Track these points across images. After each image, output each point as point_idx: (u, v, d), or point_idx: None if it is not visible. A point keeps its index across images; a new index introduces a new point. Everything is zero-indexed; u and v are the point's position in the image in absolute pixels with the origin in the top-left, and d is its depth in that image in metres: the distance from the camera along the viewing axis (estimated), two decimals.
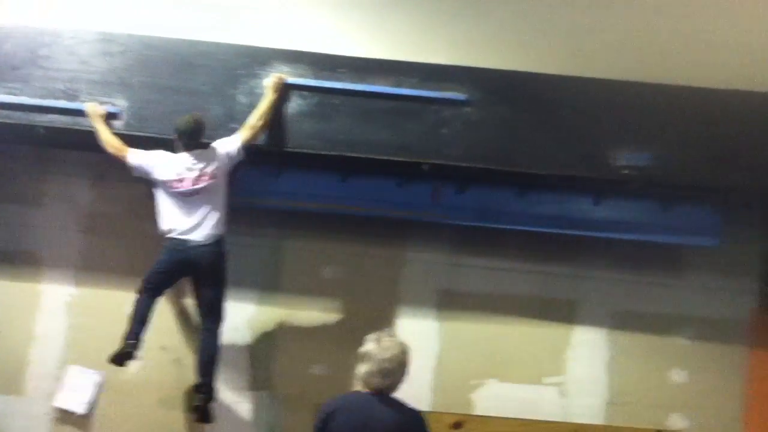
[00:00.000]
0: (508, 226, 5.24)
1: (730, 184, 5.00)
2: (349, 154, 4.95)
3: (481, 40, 5.32)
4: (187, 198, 4.71)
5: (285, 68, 4.95)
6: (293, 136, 4.95)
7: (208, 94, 4.94)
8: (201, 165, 4.71)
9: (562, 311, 5.45)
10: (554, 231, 5.22)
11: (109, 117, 4.87)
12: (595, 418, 5.39)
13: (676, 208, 5.18)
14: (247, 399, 5.33)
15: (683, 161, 4.97)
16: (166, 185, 4.73)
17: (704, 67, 5.25)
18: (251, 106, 4.89)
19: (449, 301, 5.45)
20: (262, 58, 4.96)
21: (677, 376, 5.45)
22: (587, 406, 5.41)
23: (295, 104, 4.98)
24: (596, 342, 5.46)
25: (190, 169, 4.70)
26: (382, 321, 5.41)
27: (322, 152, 4.94)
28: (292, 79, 4.95)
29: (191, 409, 4.96)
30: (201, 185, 4.69)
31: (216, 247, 4.74)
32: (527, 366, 5.44)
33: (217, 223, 4.74)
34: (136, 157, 4.78)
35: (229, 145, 4.78)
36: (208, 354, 4.84)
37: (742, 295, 5.49)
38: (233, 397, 5.31)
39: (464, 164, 4.97)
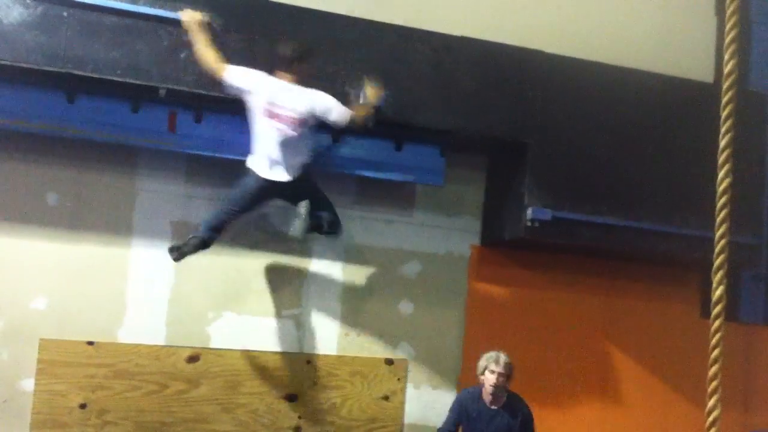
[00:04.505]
0: (245, 158, 5.15)
1: (453, 127, 5.27)
2: (75, 72, 4.61)
3: None
4: (280, 134, 4.65)
5: None
6: (12, 48, 4.51)
7: None
8: (298, 105, 4.65)
9: (299, 245, 5.47)
10: None
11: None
12: (329, 349, 5.55)
13: (406, 147, 5.39)
14: None
15: (414, 102, 5.15)
16: (262, 112, 4.64)
17: (440, 12, 5.47)
18: None
19: (184, 233, 5.23)
20: None
21: (405, 307, 5.73)
22: (322, 338, 5.55)
23: (16, 13, 4.54)
24: (331, 275, 5.60)
25: (287, 105, 4.64)
26: (112, 253, 5.19)
27: (45, 68, 4.55)
28: None
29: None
30: (294, 127, 4.66)
31: (302, 178, 4.79)
32: (264, 299, 5.45)
33: (303, 161, 4.77)
34: (233, 75, 4.64)
35: (330, 106, 4.74)
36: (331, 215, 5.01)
37: (464, 231, 5.87)
38: None
39: (202, 91, 4.81)
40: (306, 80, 4.74)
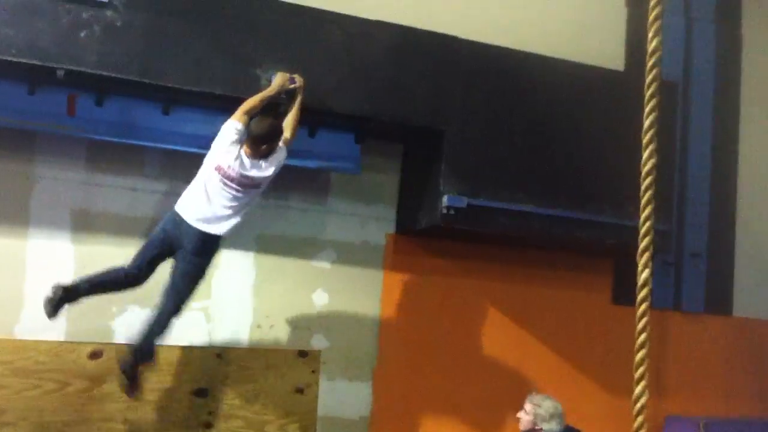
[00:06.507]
0: (151, 144, 4.97)
1: (368, 113, 5.18)
2: None
3: None
4: (225, 190, 4.53)
5: None
6: None
7: None
8: (256, 170, 4.59)
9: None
10: (199, 151, 5.01)
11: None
12: (241, 342, 5.39)
13: (320, 134, 5.27)
14: None
15: (327, 87, 5.03)
16: (217, 169, 4.51)
17: None
18: None
19: (85, 222, 5.08)
20: None
21: (319, 298, 5.61)
22: (233, 330, 5.39)
23: None
24: (243, 266, 5.43)
25: (245, 171, 4.55)
26: (7, 244, 4.91)
27: None
28: None
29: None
30: (244, 189, 4.57)
31: (216, 243, 4.61)
32: None
33: (235, 227, 4.61)
34: (235, 128, 4.55)
35: (282, 155, 4.69)
36: (154, 330, 4.64)
37: (380, 220, 5.78)
38: None
39: (104, 73, 4.59)
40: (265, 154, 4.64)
